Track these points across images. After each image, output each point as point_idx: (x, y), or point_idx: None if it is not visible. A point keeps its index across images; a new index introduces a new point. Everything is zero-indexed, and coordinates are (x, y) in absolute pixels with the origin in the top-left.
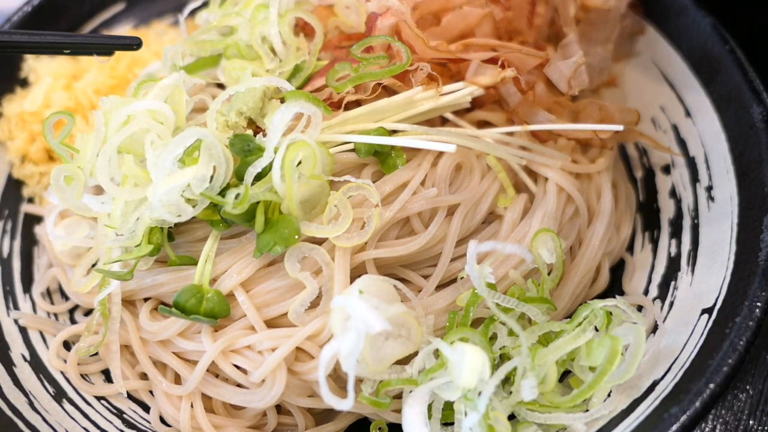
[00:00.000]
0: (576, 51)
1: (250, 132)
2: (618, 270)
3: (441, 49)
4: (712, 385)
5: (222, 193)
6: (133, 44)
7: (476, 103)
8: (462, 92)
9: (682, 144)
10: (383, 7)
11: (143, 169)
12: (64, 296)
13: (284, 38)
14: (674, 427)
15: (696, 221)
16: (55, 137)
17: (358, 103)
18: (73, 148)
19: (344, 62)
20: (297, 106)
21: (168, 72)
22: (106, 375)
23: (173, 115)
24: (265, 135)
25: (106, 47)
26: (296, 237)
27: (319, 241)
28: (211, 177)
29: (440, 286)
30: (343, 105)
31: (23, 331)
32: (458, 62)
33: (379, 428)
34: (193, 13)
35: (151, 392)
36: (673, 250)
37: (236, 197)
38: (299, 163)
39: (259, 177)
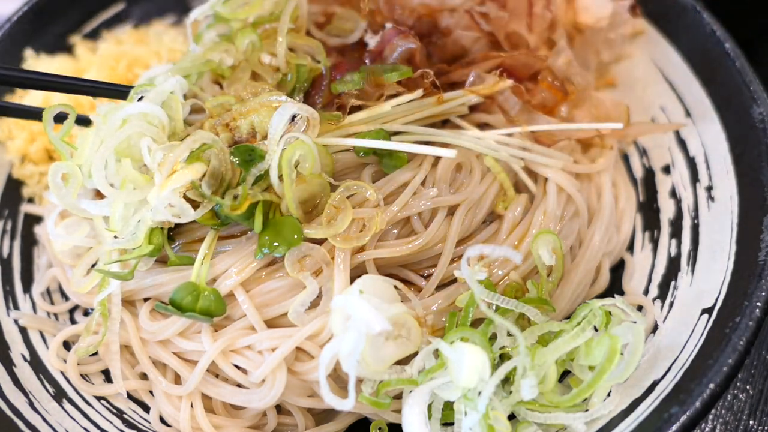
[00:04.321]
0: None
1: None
2: (618, 270)
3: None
4: (712, 385)
5: (223, 194)
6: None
7: (478, 105)
8: (460, 101)
9: (682, 144)
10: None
11: (141, 174)
12: (64, 296)
13: (287, 57)
14: (674, 427)
15: (696, 221)
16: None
17: (361, 109)
18: (73, 146)
19: (351, 72)
20: (295, 108)
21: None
22: (106, 375)
23: (167, 119)
24: (264, 137)
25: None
26: (296, 237)
27: (319, 241)
28: (213, 179)
29: (440, 286)
30: (347, 109)
31: (23, 331)
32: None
33: (379, 428)
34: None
35: (151, 392)
36: (673, 250)
37: (235, 198)
38: (298, 163)
39: (260, 178)
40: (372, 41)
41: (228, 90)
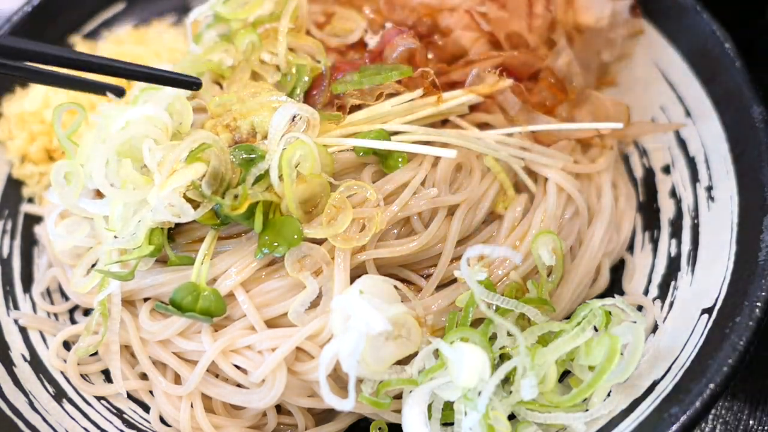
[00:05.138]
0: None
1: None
2: (618, 270)
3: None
4: (712, 385)
5: (223, 194)
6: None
7: (478, 105)
8: (459, 100)
9: (682, 144)
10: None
11: (142, 174)
12: (64, 296)
13: (286, 57)
14: (674, 427)
15: (696, 221)
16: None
17: (361, 108)
18: (78, 144)
19: (351, 72)
20: (295, 108)
21: None
22: (106, 375)
23: (171, 122)
24: (264, 137)
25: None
26: (296, 237)
27: (319, 241)
28: (213, 179)
29: (440, 286)
30: (347, 109)
31: (23, 331)
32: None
33: (379, 428)
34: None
35: (151, 392)
36: (673, 250)
37: (235, 198)
38: (298, 163)
39: (261, 178)
40: (372, 41)
41: (228, 90)
